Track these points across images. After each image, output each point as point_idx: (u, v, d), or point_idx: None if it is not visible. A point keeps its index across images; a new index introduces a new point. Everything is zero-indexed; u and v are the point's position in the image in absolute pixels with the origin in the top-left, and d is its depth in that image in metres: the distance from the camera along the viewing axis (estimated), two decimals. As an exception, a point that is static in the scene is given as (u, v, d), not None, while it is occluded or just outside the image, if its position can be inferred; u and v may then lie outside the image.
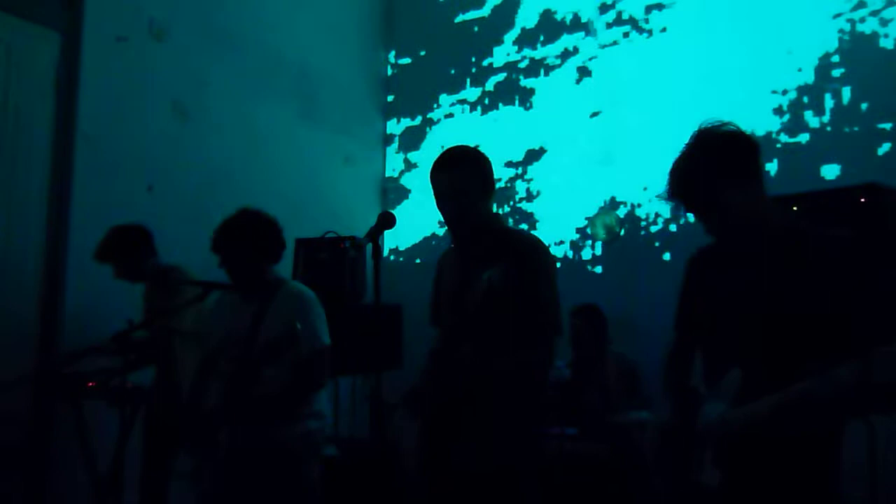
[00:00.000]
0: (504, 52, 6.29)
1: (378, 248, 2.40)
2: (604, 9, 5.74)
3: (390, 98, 6.93)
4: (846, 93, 4.66)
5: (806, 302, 1.79)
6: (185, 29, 4.90)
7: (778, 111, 4.89)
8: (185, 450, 3.29)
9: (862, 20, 4.64)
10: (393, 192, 6.76)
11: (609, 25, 5.72)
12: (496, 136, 6.15)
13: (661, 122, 5.14)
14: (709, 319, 2.05)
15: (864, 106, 4.58)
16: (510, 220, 5.83)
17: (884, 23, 4.56)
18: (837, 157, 4.62)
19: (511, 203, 6.02)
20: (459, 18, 6.57)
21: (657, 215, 5.31)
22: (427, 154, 6.55)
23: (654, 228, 5.33)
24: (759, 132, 4.84)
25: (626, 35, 5.63)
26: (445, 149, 2.66)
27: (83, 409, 3.71)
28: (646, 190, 5.33)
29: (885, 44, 4.55)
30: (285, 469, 2.95)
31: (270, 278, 3.09)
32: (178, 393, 3.63)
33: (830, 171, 4.63)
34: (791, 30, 4.86)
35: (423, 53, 6.82)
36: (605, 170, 5.57)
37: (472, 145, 2.78)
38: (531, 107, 6.09)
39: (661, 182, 2.05)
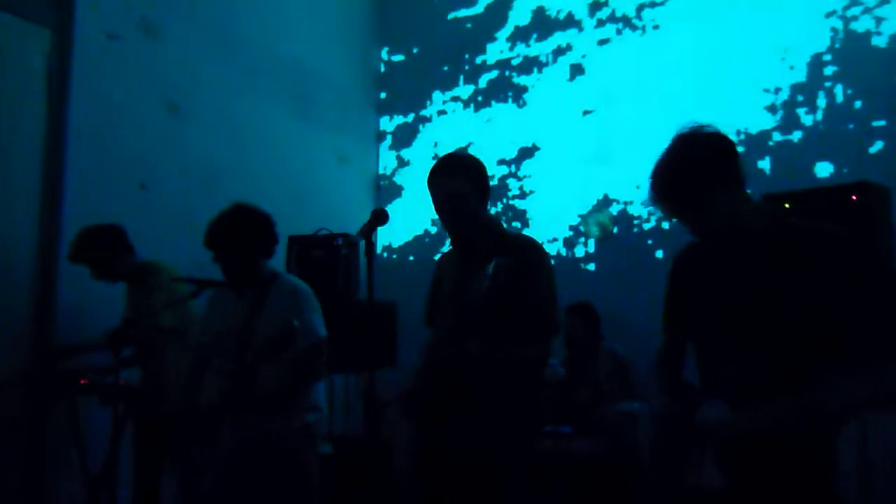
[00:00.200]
0: (497, 50, 6.28)
1: (371, 245, 2.43)
2: (597, 6, 5.75)
3: (383, 95, 6.92)
4: (839, 91, 4.67)
5: (803, 301, 1.79)
6: (177, 26, 4.88)
7: (771, 109, 4.90)
8: (188, 446, 3.31)
9: (855, 18, 4.65)
10: (386, 189, 6.76)
11: (602, 22, 5.72)
12: (489, 133, 6.16)
13: (654, 120, 5.13)
14: (701, 320, 2.05)
15: (857, 104, 4.59)
16: (502, 219, 5.81)
17: (877, 21, 4.56)
18: (830, 155, 4.63)
19: (503, 201, 6.03)
20: (452, 15, 6.57)
21: (650, 213, 5.31)
22: (420, 152, 6.55)
23: (647, 226, 5.34)
24: (752, 130, 4.88)
25: (619, 32, 5.63)
26: (441, 156, 2.75)
27: (76, 406, 3.71)
28: (639, 188, 5.31)
29: (879, 42, 4.56)
30: (285, 461, 2.98)
31: (264, 273, 3.11)
32: (167, 391, 3.64)
33: (823, 170, 4.64)
34: (784, 27, 4.87)
35: (415, 51, 6.81)
36: (598, 168, 5.57)
37: (464, 144, 2.83)
38: (524, 104, 6.09)
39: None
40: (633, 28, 5.56)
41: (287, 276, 3.20)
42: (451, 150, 2.88)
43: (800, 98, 4.80)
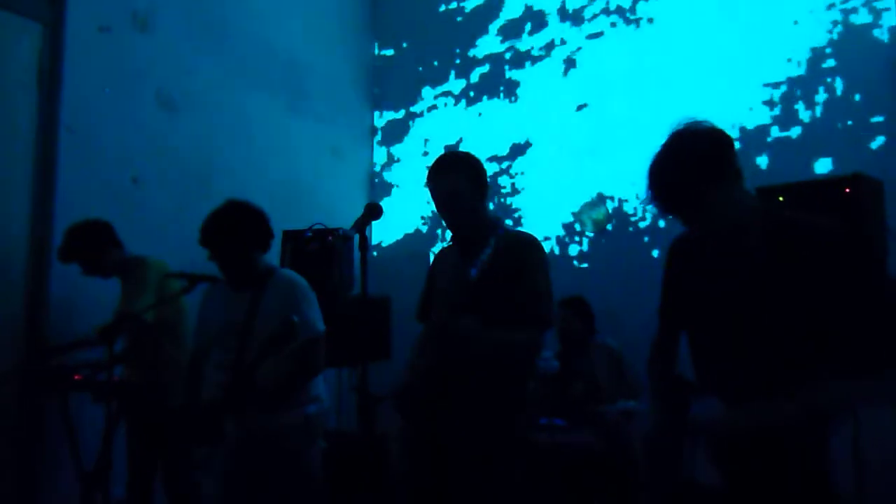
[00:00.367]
0: (489, 44, 6.24)
1: (365, 240, 2.47)
2: (590, -2, 5.71)
3: (376, 90, 6.89)
4: (839, 85, 4.62)
5: (800, 298, 1.79)
6: (170, 19, 4.86)
7: (769, 104, 4.85)
8: (193, 443, 3.32)
9: (854, 11, 4.59)
10: (379, 184, 6.74)
11: (595, 15, 5.69)
12: (481, 129, 6.12)
13: (649, 116, 5.11)
14: (697, 317, 2.04)
15: (856, 98, 4.54)
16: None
17: (877, 14, 4.50)
18: (829, 150, 4.57)
19: (495, 199, 5.97)
20: (443, 8, 6.53)
21: (645, 210, 5.27)
22: (411, 148, 6.52)
23: (642, 224, 5.30)
24: (750, 125, 4.85)
25: (613, 25, 5.59)
26: (439, 155, 2.83)
27: (70, 402, 3.69)
28: (633, 185, 5.28)
29: (879, 35, 4.50)
30: (288, 454, 3.00)
31: (261, 268, 3.10)
32: (162, 387, 3.63)
33: (822, 165, 4.58)
34: (782, 21, 4.82)
35: (405, 45, 6.77)
36: (591, 164, 5.54)
37: (455, 141, 2.90)
38: (516, 99, 6.05)
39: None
40: (628, 21, 5.52)
41: (284, 271, 3.19)
42: (441, 147, 2.92)
43: (798, 92, 4.75)
